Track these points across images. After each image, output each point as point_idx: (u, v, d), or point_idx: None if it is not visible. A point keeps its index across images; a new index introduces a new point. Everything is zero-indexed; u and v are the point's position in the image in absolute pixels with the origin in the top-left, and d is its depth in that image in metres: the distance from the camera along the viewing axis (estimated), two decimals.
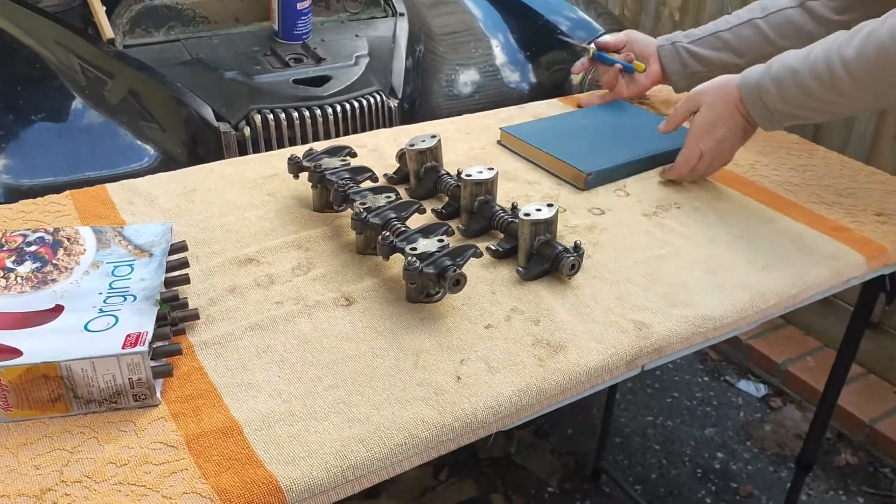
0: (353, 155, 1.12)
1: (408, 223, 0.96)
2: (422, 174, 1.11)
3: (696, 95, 1.14)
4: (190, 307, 0.87)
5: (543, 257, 0.95)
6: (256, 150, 1.41)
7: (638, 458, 2.12)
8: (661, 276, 0.97)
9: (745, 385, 2.39)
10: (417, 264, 0.86)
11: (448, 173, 1.11)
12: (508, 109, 1.45)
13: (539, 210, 0.95)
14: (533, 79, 1.79)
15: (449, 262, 0.87)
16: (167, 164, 1.36)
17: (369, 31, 1.69)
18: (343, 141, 1.30)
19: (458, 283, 0.86)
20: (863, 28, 0.99)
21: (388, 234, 0.91)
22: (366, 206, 0.97)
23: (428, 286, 0.90)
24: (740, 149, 1.16)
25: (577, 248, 0.94)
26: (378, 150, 1.27)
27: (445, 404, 0.76)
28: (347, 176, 1.05)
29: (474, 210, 1.04)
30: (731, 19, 1.32)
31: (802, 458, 1.47)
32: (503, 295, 0.93)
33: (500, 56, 1.80)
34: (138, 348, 0.72)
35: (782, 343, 2.41)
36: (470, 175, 1.02)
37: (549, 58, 1.81)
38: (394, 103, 1.53)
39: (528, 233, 0.95)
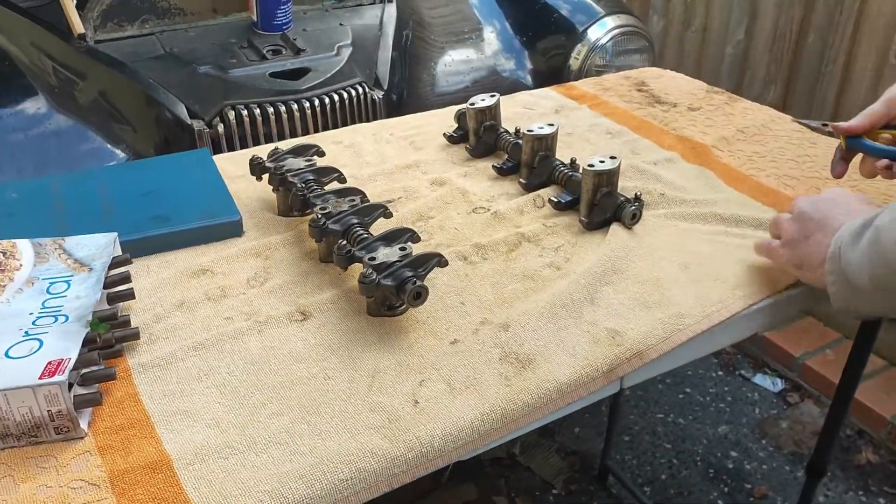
0: (321, 154, 1.05)
1: (372, 229, 0.89)
2: (481, 132, 1.16)
3: None
4: (132, 325, 0.81)
5: (605, 208, 0.97)
6: (231, 148, 1.34)
7: (647, 457, 2.04)
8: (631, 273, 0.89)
9: (761, 380, 2.29)
10: (374, 276, 0.78)
11: (507, 131, 1.15)
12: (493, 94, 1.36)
13: (602, 161, 0.96)
14: (529, 65, 1.70)
15: (409, 273, 0.80)
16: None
17: (355, 19, 1.61)
18: (318, 137, 1.24)
19: (419, 296, 0.79)
20: None
21: (344, 242, 0.84)
22: (326, 211, 0.90)
23: (389, 298, 0.82)
24: (741, 140, 1.07)
25: (637, 198, 0.97)
26: (355, 146, 1.20)
27: (399, 432, 0.69)
28: (311, 178, 0.98)
29: (534, 165, 1.07)
30: None
31: (814, 464, 1.38)
32: (472, 305, 0.85)
33: (494, 42, 1.71)
34: (56, 378, 0.66)
35: (800, 335, 2.31)
36: (531, 130, 1.06)
37: (546, 43, 1.72)
38: (378, 95, 1.46)
39: (591, 184, 0.96)
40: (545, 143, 1.07)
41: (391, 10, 1.64)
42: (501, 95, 1.40)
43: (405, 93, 1.54)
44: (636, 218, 0.97)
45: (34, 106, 1.31)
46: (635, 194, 0.98)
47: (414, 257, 0.81)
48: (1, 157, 1.28)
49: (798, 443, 2.07)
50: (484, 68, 1.68)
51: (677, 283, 0.88)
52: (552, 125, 1.07)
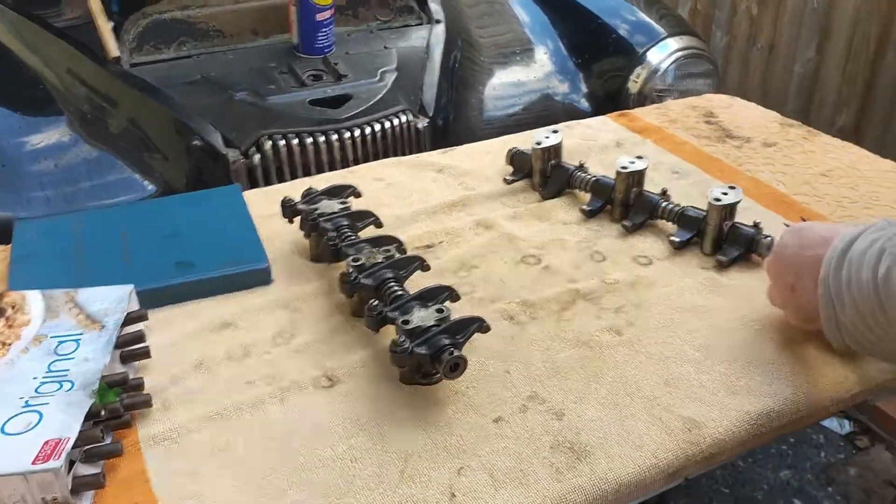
0: (357, 195, 0.97)
1: (410, 281, 0.81)
2: (548, 172, 1.08)
3: None
4: (146, 387, 0.74)
5: (736, 242, 0.92)
6: (268, 180, 1.27)
7: (704, 502, 1.92)
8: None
9: (828, 421, 2.15)
10: (406, 345, 0.70)
11: (578, 167, 1.06)
12: (552, 127, 1.27)
13: (725, 194, 0.92)
14: (584, 88, 1.61)
15: (447, 342, 0.71)
16: (169, 195, 1.24)
17: (400, 41, 1.53)
18: (358, 171, 1.16)
19: (457, 367, 0.70)
20: None
21: (376, 303, 0.75)
22: (359, 263, 0.82)
23: (424, 366, 0.74)
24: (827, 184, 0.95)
25: (756, 225, 0.92)
26: (396, 185, 1.11)
27: None
28: (346, 223, 0.90)
29: (630, 203, 1.00)
30: None
31: None
32: (519, 374, 0.76)
33: (547, 63, 1.62)
34: (51, 464, 0.59)
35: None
36: (625, 167, 0.99)
37: (602, 65, 1.62)
38: (423, 123, 1.37)
39: (717, 218, 0.92)
40: (637, 179, 1.00)
41: (439, 31, 1.56)
42: (554, 121, 1.32)
43: (451, 118, 1.46)
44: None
45: (65, 133, 1.26)
46: (754, 222, 0.92)
47: (452, 322, 0.72)
48: (30, 186, 1.23)
49: (868, 492, 1.93)
50: (536, 91, 1.59)
51: (774, 364, 0.77)
52: (641, 158, 1.00)
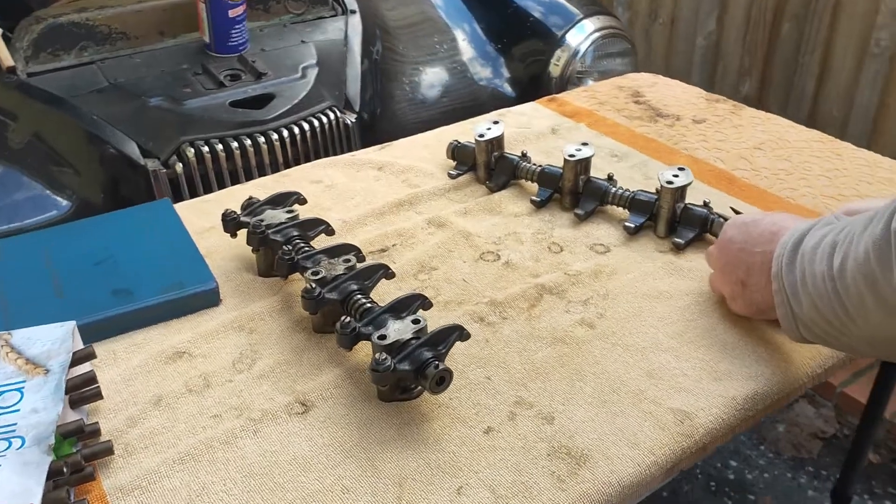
0: (302, 201, 0.92)
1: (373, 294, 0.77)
2: (493, 164, 1.06)
3: None
4: (103, 435, 0.67)
5: (690, 223, 0.93)
6: (192, 189, 1.20)
7: None
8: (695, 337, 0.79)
9: None
10: (388, 362, 0.66)
11: (521, 157, 1.05)
12: (488, 118, 1.25)
13: (676, 176, 0.93)
14: (507, 73, 1.59)
15: (429, 355, 0.67)
16: (84, 212, 1.15)
17: (317, 34, 1.47)
18: (292, 175, 1.10)
19: (443, 381, 0.67)
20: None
21: (348, 320, 0.71)
22: (319, 276, 0.78)
23: (405, 381, 0.70)
24: (761, 157, 0.98)
25: (706, 204, 0.93)
26: (335, 186, 1.07)
27: None
28: (296, 234, 0.85)
29: (580, 191, 0.99)
30: None
31: (840, 490, 1.31)
32: (501, 380, 0.74)
33: (467, 50, 1.59)
34: None
35: None
36: (573, 156, 0.98)
37: (522, 49, 1.60)
38: (351, 119, 1.32)
39: (670, 201, 0.92)
40: (585, 166, 0.99)
41: (355, 22, 1.51)
42: (481, 108, 1.30)
43: (378, 112, 1.41)
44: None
45: None
46: (704, 201, 0.93)
47: (431, 333, 0.69)
48: None
49: (797, 447, 2.01)
50: (460, 78, 1.56)
51: (748, 345, 0.77)
52: (586, 144, 0.99)
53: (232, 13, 1.34)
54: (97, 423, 0.67)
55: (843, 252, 0.58)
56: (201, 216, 1.00)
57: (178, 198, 1.17)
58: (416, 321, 0.71)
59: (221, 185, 1.21)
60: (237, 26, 1.35)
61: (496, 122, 1.06)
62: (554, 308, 0.83)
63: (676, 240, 0.92)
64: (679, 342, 0.78)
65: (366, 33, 1.49)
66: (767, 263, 0.70)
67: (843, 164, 1.08)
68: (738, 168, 1.09)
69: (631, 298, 0.84)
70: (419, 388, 0.71)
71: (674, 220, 0.93)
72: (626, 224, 0.95)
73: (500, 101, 1.51)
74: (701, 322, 0.81)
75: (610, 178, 0.99)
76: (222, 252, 0.93)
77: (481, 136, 1.04)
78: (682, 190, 0.92)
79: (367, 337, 0.70)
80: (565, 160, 0.98)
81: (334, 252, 0.82)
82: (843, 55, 1.95)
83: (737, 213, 0.90)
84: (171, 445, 0.68)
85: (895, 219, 0.52)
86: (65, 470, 0.60)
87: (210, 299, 0.85)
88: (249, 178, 1.21)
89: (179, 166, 1.18)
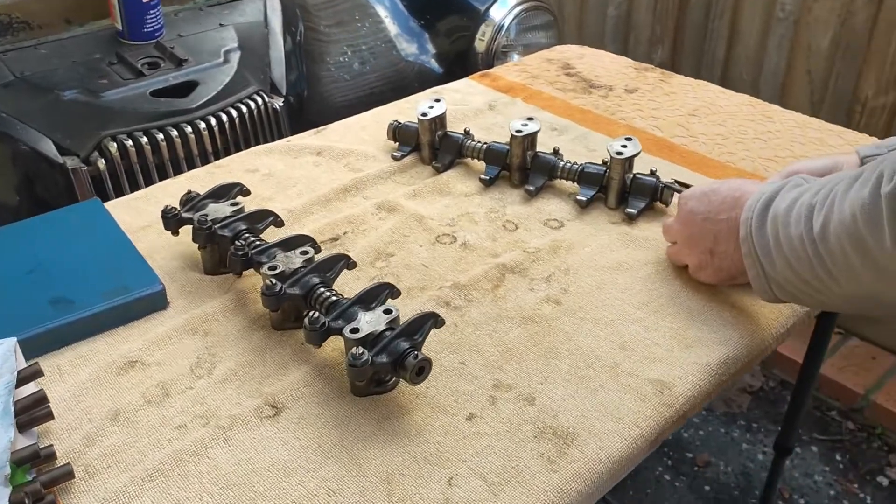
0: (246, 193, 0.88)
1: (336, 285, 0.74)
2: (437, 144, 1.03)
3: None
4: (60, 458, 0.62)
5: (642, 193, 0.93)
6: (117, 187, 1.13)
7: None
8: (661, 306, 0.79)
9: None
10: (366, 356, 0.64)
11: (464, 135, 1.03)
12: (421, 96, 1.22)
13: (625, 147, 0.92)
14: (433, 49, 1.56)
15: (406, 345, 0.65)
16: (0, 216, 1.06)
17: (235, 16, 1.41)
18: (223, 165, 1.05)
19: (423, 371, 0.65)
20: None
21: (316, 315, 0.68)
22: (278, 271, 0.74)
23: (380, 373, 0.68)
24: (697, 123, 0.99)
25: (652, 173, 0.94)
26: (274, 174, 1.02)
27: None
28: (244, 227, 0.81)
29: (528, 167, 0.98)
30: None
31: (782, 442, 1.36)
32: (476, 364, 0.72)
33: (391, 27, 1.55)
34: None
35: None
36: (520, 131, 0.96)
37: (447, 24, 1.58)
38: (278, 103, 1.27)
39: (620, 172, 0.92)
40: (531, 142, 0.97)
41: (274, 2, 1.45)
42: (408, 85, 1.27)
43: (305, 94, 1.36)
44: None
45: None
46: (651, 170, 0.94)
47: (405, 323, 0.67)
48: None
49: (728, 402, 2.08)
50: (385, 56, 1.52)
51: (713, 311, 0.78)
52: (532, 119, 0.98)
53: None
54: (52, 445, 0.62)
55: (825, 215, 0.59)
56: (134, 214, 0.94)
57: (103, 196, 1.10)
58: (387, 311, 0.68)
59: (148, 181, 1.15)
60: (152, 11, 1.28)
61: (438, 101, 1.04)
62: (518, 287, 0.82)
63: (629, 210, 0.92)
64: (645, 312, 0.78)
65: (286, 13, 1.44)
66: (735, 229, 0.70)
67: (776, 126, 1.11)
68: (676, 136, 1.10)
69: (592, 272, 0.84)
70: (394, 379, 0.69)
71: (624, 191, 0.94)
72: (578, 198, 0.94)
73: (428, 78, 1.49)
74: (664, 290, 0.81)
75: (556, 152, 0.99)
76: (163, 251, 0.88)
77: (424, 114, 1.02)
78: (630, 160, 0.93)
79: (339, 331, 0.68)
80: (512, 136, 0.97)
81: (289, 244, 0.78)
82: (751, 19, 2.01)
83: (683, 185, 0.91)
84: (137, 462, 0.63)
85: (884, 183, 0.52)
86: (26, 501, 0.55)
87: (157, 302, 0.80)
88: (177, 170, 1.15)
89: (102, 162, 1.11)
